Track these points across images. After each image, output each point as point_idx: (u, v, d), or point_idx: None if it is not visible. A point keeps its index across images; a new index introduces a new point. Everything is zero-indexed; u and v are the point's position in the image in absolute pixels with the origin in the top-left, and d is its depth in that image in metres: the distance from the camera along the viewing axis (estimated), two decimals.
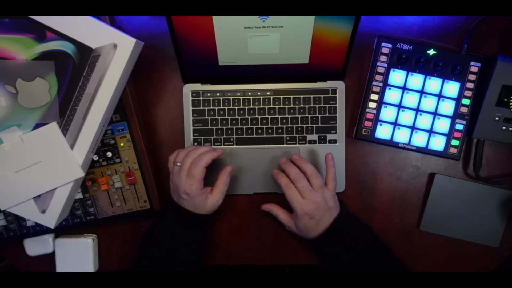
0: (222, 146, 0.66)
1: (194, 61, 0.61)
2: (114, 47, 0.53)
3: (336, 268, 0.59)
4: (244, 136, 0.66)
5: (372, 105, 0.64)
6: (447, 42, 0.66)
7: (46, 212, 0.57)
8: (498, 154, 0.66)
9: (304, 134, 0.66)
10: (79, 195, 0.62)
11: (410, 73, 0.63)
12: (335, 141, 0.66)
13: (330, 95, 0.65)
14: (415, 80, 0.63)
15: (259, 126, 0.66)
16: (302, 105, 0.65)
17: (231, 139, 0.66)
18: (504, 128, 0.62)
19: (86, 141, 0.56)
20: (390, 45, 0.62)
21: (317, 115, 0.66)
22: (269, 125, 0.66)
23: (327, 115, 0.66)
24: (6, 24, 0.52)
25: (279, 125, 0.66)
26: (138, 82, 0.66)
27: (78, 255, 0.66)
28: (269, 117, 0.66)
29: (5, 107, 0.54)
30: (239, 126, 0.66)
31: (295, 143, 0.66)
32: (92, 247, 0.66)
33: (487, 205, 0.66)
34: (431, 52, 0.62)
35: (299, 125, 0.66)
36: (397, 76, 0.63)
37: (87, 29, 0.53)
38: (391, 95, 0.63)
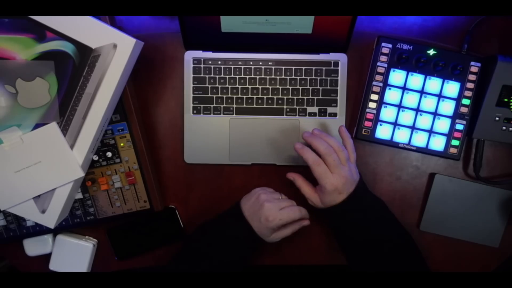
0: (222, 115, 0.66)
1: (196, 26, 0.60)
2: (114, 47, 0.53)
3: (348, 236, 0.58)
4: (244, 105, 0.66)
5: (372, 105, 0.64)
6: (447, 42, 0.66)
7: (46, 212, 0.57)
8: (498, 154, 0.66)
9: (305, 106, 0.66)
10: (79, 195, 0.62)
11: (410, 73, 0.63)
12: (335, 115, 0.66)
13: (332, 67, 0.65)
14: (415, 80, 0.63)
15: (260, 96, 0.66)
16: (303, 77, 0.65)
17: (231, 108, 0.66)
18: (504, 128, 0.62)
19: (86, 141, 0.56)
20: (390, 45, 0.62)
21: (318, 87, 0.65)
22: (270, 96, 0.66)
23: (328, 87, 0.65)
24: (6, 24, 0.52)
25: (280, 96, 0.66)
26: (138, 82, 0.66)
27: (75, 256, 0.66)
28: (270, 87, 0.66)
29: (5, 107, 0.54)
30: (240, 96, 0.66)
31: (295, 115, 0.66)
32: (91, 252, 0.66)
33: (487, 205, 0.66)
34: (431, 52, 0.62)
35: (300, 96, 0.66)
36: (397, 76, 0.63)
37: (87, 29, 0.53)
38: (391, 95, 0.63)
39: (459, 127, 0.63)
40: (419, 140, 0.64)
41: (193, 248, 0.60)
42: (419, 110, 0.63)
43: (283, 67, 0.65)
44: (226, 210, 0.61)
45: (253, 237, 0.57)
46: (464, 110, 0.63)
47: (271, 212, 0.55)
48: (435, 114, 0.63)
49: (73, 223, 0.64)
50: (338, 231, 0.60)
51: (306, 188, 0.60)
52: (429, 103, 0.63)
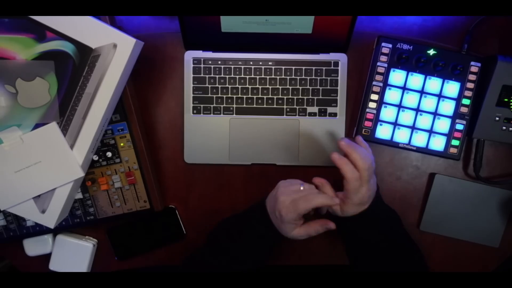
0: (222, 115, 0.66)
1: (196, 26, 0.60)
2: (114, 47, 0.53)
3: (357, 237, 0.58)
4: (244, 105, 0.66)
5: (372, 105, 0.64)
6: (447, 42, 0.66)
7: (46, 212, 0.57)
8: (498, 154, 0.66)
9: (305, 106, 0.66)
10: (79, 195, 0.62)
11: (410, 73, 0.63)
12: (335, 115, 0.66)
13: (332, 67, 0.65)
14: (415, 80, 0.63)
15: (260, 96, 0.66)
16: (303, 77, 0.65)
17: (231, 108, 0.66)
18: (504, 128, 0.62)
19: (86, 141, 0.56)
20: (390, 45, 0.62)
21: (318, 87, 0.65)
22: (270, 96, 0.66)
23: (328, 87, 0.65)
24: (6, 24, 0.52)
25: (280, 96, 0.66)
26: (138, 82, 0.66)
27: (75, 256, 0.66)
28: (270, 87, 0.66)
29: (5, 107, 0.54)
30: (240, 96, 0.66)
31: (295, 115, 0.66)
32: (91, 252, 0.66)
33: (487, 205, 0.66)
34: (431, 52, 0.62)
35: (300, 96, 0.66)
36: (397, 76, 0.63)
37: (87, 29, 0.53)
38: (391, 95, 0.63)
39: (459, 127, 0.63)
40: (419, 140, 0.64)
41: (215, 244, 0.59)
42: (419, 110, 0.63)
43: (283, 67, 0.65)
44: (250, 206, 0.60)
45: (273, 233, 0.56)
46: (464, 110, 0.63)
47: (284, 205, 0.54)
48: (435, 114, 0.63)
49: (73, 223, 0.64)
50: (347, 232, 0.60)
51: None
52: (429, 103, 0.63)
